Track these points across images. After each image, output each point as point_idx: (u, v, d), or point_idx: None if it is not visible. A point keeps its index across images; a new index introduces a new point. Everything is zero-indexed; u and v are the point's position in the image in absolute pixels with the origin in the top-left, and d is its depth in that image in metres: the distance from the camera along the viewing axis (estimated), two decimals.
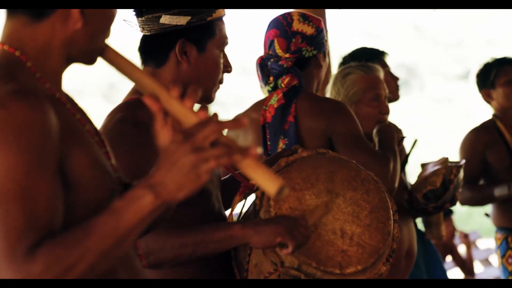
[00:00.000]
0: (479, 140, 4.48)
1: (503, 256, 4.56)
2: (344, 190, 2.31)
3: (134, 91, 2.33)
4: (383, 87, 3.43)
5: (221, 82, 2.37)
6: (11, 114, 1.43)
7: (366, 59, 3.63)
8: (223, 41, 2.33)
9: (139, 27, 2.29)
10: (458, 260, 6.61)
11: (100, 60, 1.66)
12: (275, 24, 3.06)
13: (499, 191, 4.37)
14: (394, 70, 3.92)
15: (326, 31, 3.17)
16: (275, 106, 2.97)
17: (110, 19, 1.62)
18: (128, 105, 2.26)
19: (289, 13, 3.08)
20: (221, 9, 2.30)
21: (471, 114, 20.27)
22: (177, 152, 1.45)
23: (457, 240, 6.77)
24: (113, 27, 1.66)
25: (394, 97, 3.82)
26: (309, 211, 2.22)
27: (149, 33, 2.27)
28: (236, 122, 1.48)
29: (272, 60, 3.03)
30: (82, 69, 1.72)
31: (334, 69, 4.11)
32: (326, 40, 3.12)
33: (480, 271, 7.23)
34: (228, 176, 2.56)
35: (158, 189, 1.46)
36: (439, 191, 3.39)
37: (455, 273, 6.86)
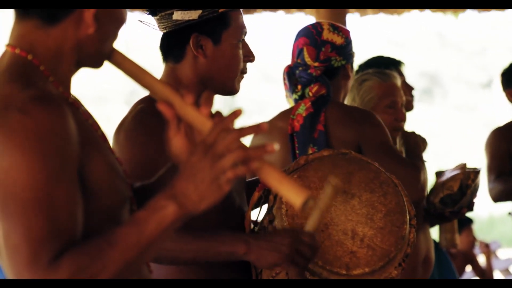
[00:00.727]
0: (503, 137, 4.47)
1: None
2: (360, 192, 2.29)
3: None
4: (400, 94, 3.43)
5: (243, 72, 2.36)
6: (33, 121, 1.41)
7: (382, 68, 3.62)
8: (240, 31, 2.31)
9: (157, 26, 2.31)
10: (477, 270, 6.57)
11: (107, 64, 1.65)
12: (304, 33, 3.08)
13: None
14: (416, 78, 3.93)
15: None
16: (304, 115, 2.98)
17: (121, 23, 1.61)
18: (150, 97, 2.26)
19: (318, 23, 3.11)
20: None
21: (494, 122, 20.18)
22: (198, 163, 1.45)
23: (477, 249, 6.73)
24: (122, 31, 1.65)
25: (409, 107, 3.81)
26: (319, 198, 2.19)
27: (165, 31, 2.29)
28: (257, 128, 1.47)
29: (300, 68, 3.04)
30: (105, 75, 1.70)
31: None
32: (354, 52, 3.13)
33: None
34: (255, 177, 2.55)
35: (180, 200, 1.45)
36: (456, 196, 3.37)
37: None
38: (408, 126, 3.48)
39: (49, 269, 1.39)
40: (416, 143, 3.16)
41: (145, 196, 1.69)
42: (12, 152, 1.41)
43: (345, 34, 3.06)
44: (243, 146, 1.46)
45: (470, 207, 3.47)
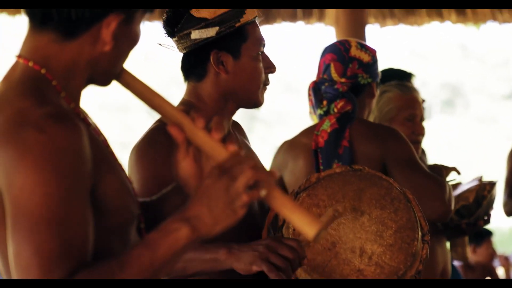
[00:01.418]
0: None
1: None
2: (370, 208, 2.28)
3: (181, 103, 2.37)
4: (420, 108, 3.43)
5: (266, 83, 2.37)
6: (49, 139, 1.40)
7: (393, 80, 3.62)
8: (259, 43, 2.33)
9: (176, 47, 2.33)
10: None
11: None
12: (332, 49, 3.10)
13: None
14: (438, 89, 3.93)
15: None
16: (328, 130, 2.99)
17: (135, 43, 1.60)
18: None
19: (346, 40, 3.14)
20: (249, 13, 2.30)
21: None
22: (213, 186, 1.44)
23: (496, 262, 6.69)
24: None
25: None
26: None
27: (184, 51, 2.32)
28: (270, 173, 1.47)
29: (326, 84, 3.06)
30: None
31: None
32: (380, 72, 3.15)
33: None
34: None
35: (194, 223, 1.43)
36: (472, 207, 3.36)
37: None
38: (429, 137, 3.47)
39: None
40: (441, 168, 3.17)
41: (147, 213, 1.68)
42: (27, 169, 1.39)
43: (372, 53, 3.08)
44: (259, 171, 1.45)
45: (487, 220, 3.45)
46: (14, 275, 1.42)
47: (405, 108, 3.39)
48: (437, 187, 2.86)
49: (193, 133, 1.51)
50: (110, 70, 1.58)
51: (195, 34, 2.26)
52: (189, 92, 2.35)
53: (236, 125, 2.49)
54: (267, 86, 2.39)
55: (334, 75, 3.05)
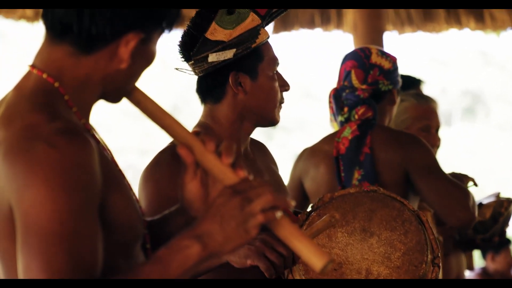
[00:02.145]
0: None
1: None
2: (380, 230, 2.28)
3: (198, 125, 2.40)
4: (436, 119, 3.42)
5: (281, 102, 2.42)
6: (60, 154, 1.40)
7: (402, 87, 3.61)
8: (273, 62, 2.38)
9: (192, 70, 2.37)
10: None
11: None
12: (352, 56, 3.13)
13: None
14: (459, 96, 3.90)
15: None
16: (349, 137, 3.00)
17: (149, 63, 1.60)
18: None
19: (366, 47, 3.17)
20: (263, 34, 2.34)
21: None
22: (227, 205, 1.45)
23: None
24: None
25: None
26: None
27: (201, 74, 2.35)
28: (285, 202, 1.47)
29: (347, 91, 3.08)
30: (146, 89, 1.68)
31: None
32: (400, 79, 3.14)
33: None
34: None
35: (205, 240, 1.44)
36: (488, 223, 3.35)
37: None
38: (450, 145, 3.45)
39: None
40: (462, 176, 3.16)
41: (149, 232, 1.68)
42: (37, 185, 1.39)
43: (393, 60, 3.11)
44: (278, 198, 1.45)
45: (503, 236, 3.45)
46: None
47: (420, 118, 3.39)
48: (462, 194, 2.87)
49: (203, 156, 1.52)
50: (122, 87, 1.58)
51: (213, 57, 2.29)
52: (206, 114, 2.39)
53: (261, 147, 2.52)
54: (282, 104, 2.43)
55: (355, 82, 3.06)
